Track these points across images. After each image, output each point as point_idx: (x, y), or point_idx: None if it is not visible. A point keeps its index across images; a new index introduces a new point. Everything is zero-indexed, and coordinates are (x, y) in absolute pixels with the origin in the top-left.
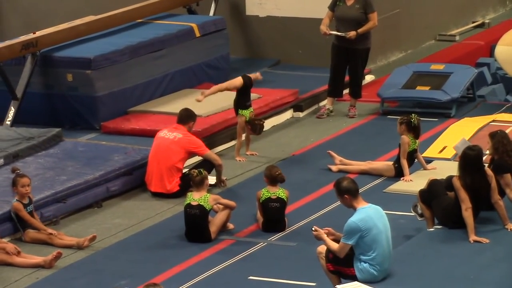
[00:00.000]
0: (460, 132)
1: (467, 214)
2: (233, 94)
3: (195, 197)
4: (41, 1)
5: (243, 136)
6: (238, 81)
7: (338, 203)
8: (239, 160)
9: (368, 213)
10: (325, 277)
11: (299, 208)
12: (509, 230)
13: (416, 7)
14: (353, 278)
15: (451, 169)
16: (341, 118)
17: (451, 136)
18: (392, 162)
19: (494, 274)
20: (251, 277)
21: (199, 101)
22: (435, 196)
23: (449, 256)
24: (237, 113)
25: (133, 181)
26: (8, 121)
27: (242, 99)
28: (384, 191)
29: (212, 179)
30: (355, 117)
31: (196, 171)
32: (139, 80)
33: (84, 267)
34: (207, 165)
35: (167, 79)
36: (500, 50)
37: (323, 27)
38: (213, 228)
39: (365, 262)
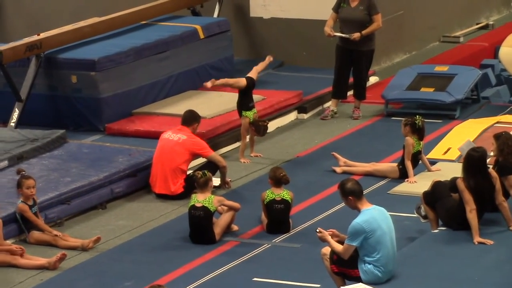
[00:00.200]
0: (465, 133)
1: (472, 215)
2: (237, 96)
3: (200, 199)
4: (45, 3)
5: (248, 138)
6: (242, 81)
7: (343, 204)
8: (244, 162)
9: (372, 215)
10: (330, 279)
11: (304, 209)
12: None
13: (420, 9)
14: (358, 279)
15: (455, 170)
16: (345, 119)
17: (455, 137)
18: (396, 164)
19: (499, 276)
20: (255, 279)
21: (207, 86)
22: (439, 198)
23: (453, 257)
24: (240, 114)
25: (137, 182)
26: (13, 122)
27: (245, 101)
28: (388, 192)
29: (216, 181)
30: (359, 118)
31: (200, 172)
32: (143, 82)
33: (88, 268)
34: (212, 166)
35: (171, 80)
36: (504, 51)
37: (327, 29)
38: (218, 229)
39: (369, 264)
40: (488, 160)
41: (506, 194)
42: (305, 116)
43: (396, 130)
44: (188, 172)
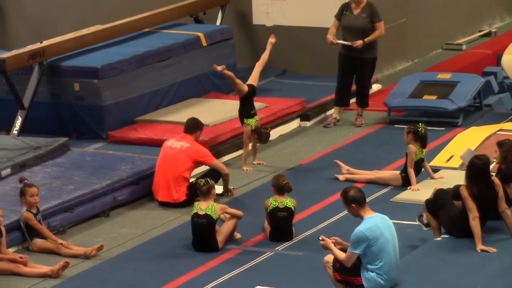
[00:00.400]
0: (467, 141)
1: (475, 223)
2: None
3: (202, 207)
4: (48, 10)
5: (250, 145)
6: (245, 87)
7: (346, 212)
8: (246, 170)
9: (375, 222)
10: (332, 286)
11: (307, 217)
12: None
13: (422, 16)
14: (360, 287)
15: (458, 178)
16: (348, 127)
17: (458, 145)
18: (399, 171)
19: (501, 284)
20: (258, 287)
21: (216, 69)
22: (442, 206)
23: (456, 265)
24: (242, 122)
25: (140, 190)
26: (15, 130)
27: (246, 108)
28: (391, 200)
29: (219, 189)
30: (362, 126)
31: (203, 180)
32: (146, 90)
33: (91, 276)
34: (214, 174)
35: (174, 88)
36: (507, 59)
37: (330, 36)
38: (220, 237)
39: (372, 272)
40: (491, 168)
41: (509, 202)
42: (308, 123)
43: (398, 138)
44: (191, 180)
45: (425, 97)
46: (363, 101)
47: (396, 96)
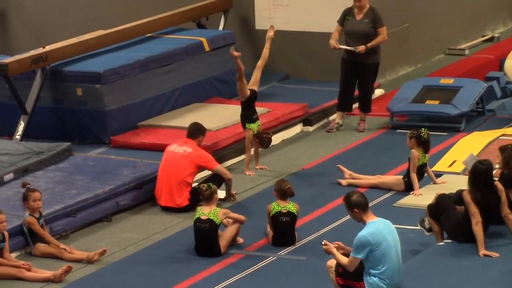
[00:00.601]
0: (470, 146)
1: (477, 228)
2: None
3: (205, 211)
4: (50, 15)
5: (252, 150)
6: (247, 90)
7: (348, 217)
8: (249, 174)
9: (378, 227)
10: None
11: (309, 222)
12: None
13: (425, 21)
14: None
15: (460, 183)
16: (350, 132)
17: (460, 150)
18: (401, 176)
19: None
20: None
21: (232, 54)
22: (444, 211)
23: (459, 270)
24: (244, 127)
25: (143, 195)
26: (18, 135)
27: (248, 113)
28: (393, 205)
29: (221, 193)
30: (365, 131)
31: (206, 185)
32: (149, 95)
33: (93, 281)
34: (217, 179)
35: (177, 93)
36: (510, 64)
37: (333, 42)
38: (223, 242)
39: (374, 276)
40: (493, 173)
41: (511, 207)
42: (311, 128)
43: (401, 143)
44: (194, 185)
45: (427, 102)
46: (366, 106)
47: (399, 101)
